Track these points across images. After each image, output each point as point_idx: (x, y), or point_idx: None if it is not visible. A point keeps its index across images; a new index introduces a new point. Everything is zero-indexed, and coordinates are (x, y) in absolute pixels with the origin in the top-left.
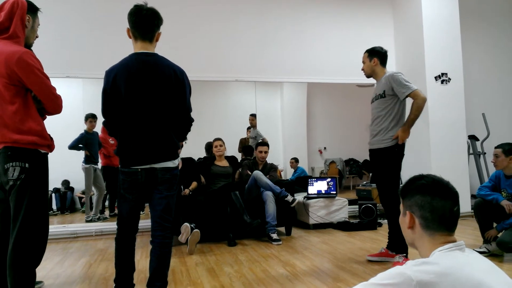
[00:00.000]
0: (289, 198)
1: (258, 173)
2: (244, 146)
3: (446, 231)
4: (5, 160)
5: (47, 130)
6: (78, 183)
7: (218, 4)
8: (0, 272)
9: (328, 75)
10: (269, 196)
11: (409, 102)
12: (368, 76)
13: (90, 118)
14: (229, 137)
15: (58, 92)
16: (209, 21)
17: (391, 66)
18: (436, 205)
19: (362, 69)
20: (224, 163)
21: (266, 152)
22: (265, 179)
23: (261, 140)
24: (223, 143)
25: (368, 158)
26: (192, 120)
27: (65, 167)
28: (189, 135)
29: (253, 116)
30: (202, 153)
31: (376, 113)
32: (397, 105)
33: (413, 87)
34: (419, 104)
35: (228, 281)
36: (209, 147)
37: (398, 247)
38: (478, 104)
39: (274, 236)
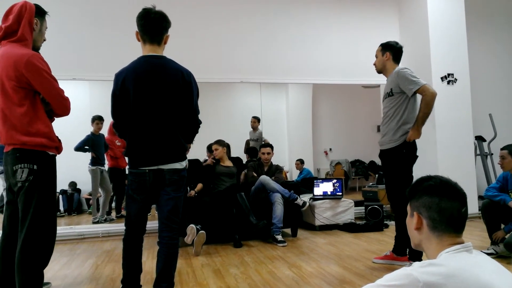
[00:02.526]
0: (299, 201)
1: (265, 178)
2: (249, 147)
3: (454, 233)
4: (13, 161)
5: (55, 132)
6: (85, 184)
7: (223, 5)
8: (9, 273)
9: (333, 76)
10: (277, 197)
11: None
12: (379, 72)
13: (97, 120)
14: (234, 138)
15: (65, 94)
16: (214, 22)
17: None
18: (444, 206)
19: (374, 64)
20: (228, 163)
21: (269, 154)
22: (272, 184)
23: (263, 142)
24: (220, 146)
25: (374, 159)
26: (199, 122)
27: (73, 169)
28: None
29: (255, 118)
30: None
31: (385, 112)
32: (405, 103)
33: (421, 82)
34: (428, 101)
35: (234, 282)
36: (210, 148)
37: (404, 250)
38: (485, 105)
39: (279, 237)
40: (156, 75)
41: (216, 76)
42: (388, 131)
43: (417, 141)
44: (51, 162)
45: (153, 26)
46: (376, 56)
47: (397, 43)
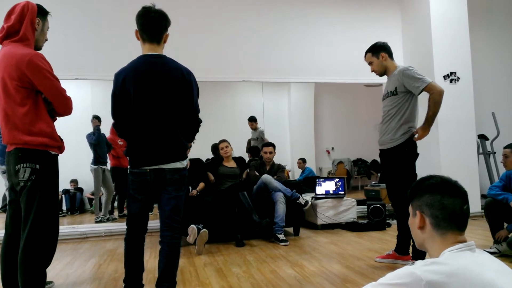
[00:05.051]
0: (301, 200)
1: (267, 178)
2: (251, 146)
3: (457, 230)
4: (16, 161)
5: (57, 132)
6: (88, 184)
7: (225, 5)
8: (12, 272)
9: (335, 75)
10: (280, 196)
11: (421, 99)
12: (381, 75)
13: (92, 119)
14: (237, 137)
15: (68, 94)
16: (216, 22)
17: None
18: (446, 203)
19: (373, 70)
20: (232, 164)
21: (271, 153)
22: (275, 183)
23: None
24: (229, 144)
25: (376, 158)
26: (200, 121)
27: (75, 168)
28: (196, 136)
29: (250, 120)
30: (210, 154)
31: (386, 111)
32: (407, 102)
33: (427, 80)
34: (436, 99)
35: (237, 281)
36: (215, 148)
37: (407, 249)
38: (487, 103)
39: (281, 236)
40: (156, 74)
41: (218, 75)
42: (388, 130)
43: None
44: (53, 162)
45: (152, 25)
46: (371, 63)
47: (381, 42)
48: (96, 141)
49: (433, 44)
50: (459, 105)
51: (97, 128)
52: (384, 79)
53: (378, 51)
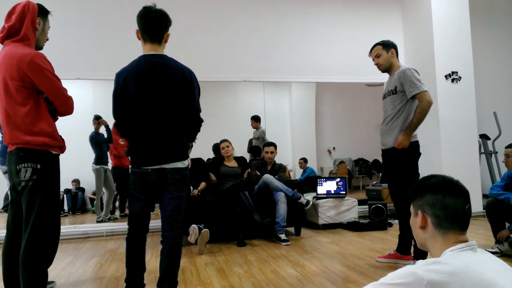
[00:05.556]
0: (303, 200)
1: (269, 177)
2: (252, 146)
3: (459, 230)
4: (17, 161)
5: (58, 132)
6: (89, 184)
7: (225, 5)
8: (13, 272)
9: (337, 75)
10: (281, 196)
11: None
12: (384, 70)
13: (99, 119)
14: (238, 137)
15: (69, 93)
16: (218, 22)
17: None
18: (448, 203)
19: (377, 63)
20: (233, 163)
21: (272, 153)
22: (276, 183)
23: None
24: (230, 143)
25: (377, 158)
26: (201, 120)
27: (76, 168)
28: (198, 136)
29: (252, 119)
30: (211, 154)
31: (388, 111)
32: (409, 103)
33: (422, 88)
34: (423, 107)
35: (238, 281)
36: (216, 148)
37: (408, 249)
38: (489, 103)
39: (283, 236)
40: (157, 74)
41: (219, 75)
42: (390, 130)
43: (421, 139)
44: (54, 162)
45: (153, 25)
46: (379, 55)
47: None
48: (108, 139)
49: (434, 44)
50: (460, 104)
51: (107, 128)
52: (385, 78)
53: (389, 47)
